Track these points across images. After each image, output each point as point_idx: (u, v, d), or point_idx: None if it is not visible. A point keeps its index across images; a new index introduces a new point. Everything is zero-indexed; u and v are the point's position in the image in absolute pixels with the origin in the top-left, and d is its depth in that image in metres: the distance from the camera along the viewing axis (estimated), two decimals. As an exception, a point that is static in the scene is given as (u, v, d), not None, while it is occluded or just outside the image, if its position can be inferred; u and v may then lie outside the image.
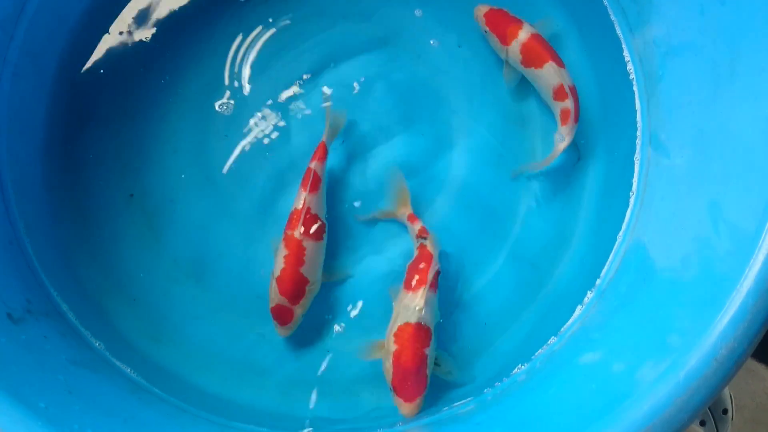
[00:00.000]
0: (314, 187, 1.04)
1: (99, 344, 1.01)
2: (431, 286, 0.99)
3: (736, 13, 0.89)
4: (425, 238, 1.03)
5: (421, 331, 0.97)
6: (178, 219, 1.09)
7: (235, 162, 1.11)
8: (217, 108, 1.12)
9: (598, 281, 1.05)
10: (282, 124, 1.12)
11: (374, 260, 1.09)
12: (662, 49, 1.03)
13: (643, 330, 0.89)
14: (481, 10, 1.11)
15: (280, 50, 1.14)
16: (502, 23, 1.09)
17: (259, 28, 1.14)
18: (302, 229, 1.02)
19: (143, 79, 1.12)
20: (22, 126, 1.05)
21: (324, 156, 1.06)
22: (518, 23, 1.08)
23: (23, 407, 0.71)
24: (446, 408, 1.01)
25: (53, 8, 1.08)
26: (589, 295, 1.05)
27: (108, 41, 1.12)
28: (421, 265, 1.01)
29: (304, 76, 1.13)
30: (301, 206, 1.03)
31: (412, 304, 0.98)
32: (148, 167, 1.10)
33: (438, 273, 1.01)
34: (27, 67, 1.06)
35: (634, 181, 1.07)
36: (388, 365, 0.97)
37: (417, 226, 1.05)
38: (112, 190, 1.09)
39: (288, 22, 1.15)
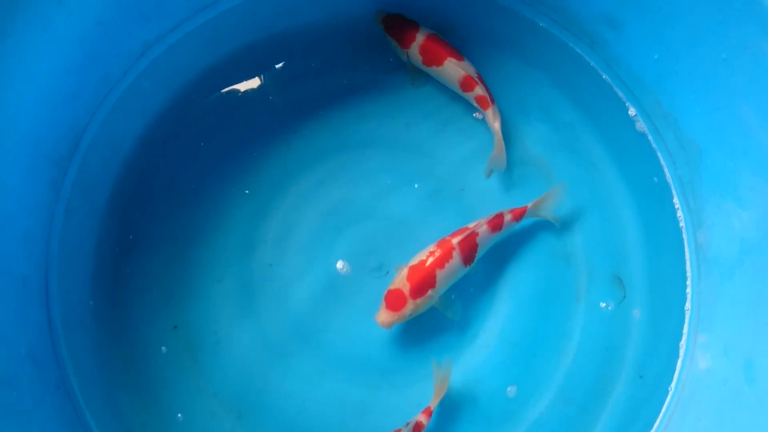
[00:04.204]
0: (495, 227, 1.06)
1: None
2: None
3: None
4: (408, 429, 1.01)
5: None
6: (221, 352, 1.08)
7: (278, 292, 1.11)
8: (261, 237, 1.12)
9: (650, 433, 1.03)
10: (327, 256, 1.12)
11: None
12: (713, 201, 1.02)
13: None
14: (379, 16, 1.15)
15: (328, 183, 1.15)
16: (399, 28, 1.13)
17: (309, 161, 1.15)
18: (461, 242, 1.03)
19: (190, 207, 1.13)
20: (72, 260, 1.06)
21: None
22: (414, 26, 1.13)
23: None
24: None
25: (106, 141, 1.10)
26: (639, 447, 1.03)
27: (158, 170, 1.13)
28: None
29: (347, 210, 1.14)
30: (473, 227, 1.05)
31: None
32: (191, 297, 1.10)
33: None
34: (79, 201, 1.07)
35: (684, 331, 1.06)
36: None
37: (422, 419, 1.02)
38: (157, 321, 1.09)
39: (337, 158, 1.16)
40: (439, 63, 1.12)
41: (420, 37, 1.12)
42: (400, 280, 1.03)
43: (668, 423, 1.03)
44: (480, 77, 1.12)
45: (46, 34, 0.91)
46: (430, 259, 1.03)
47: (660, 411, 1.04)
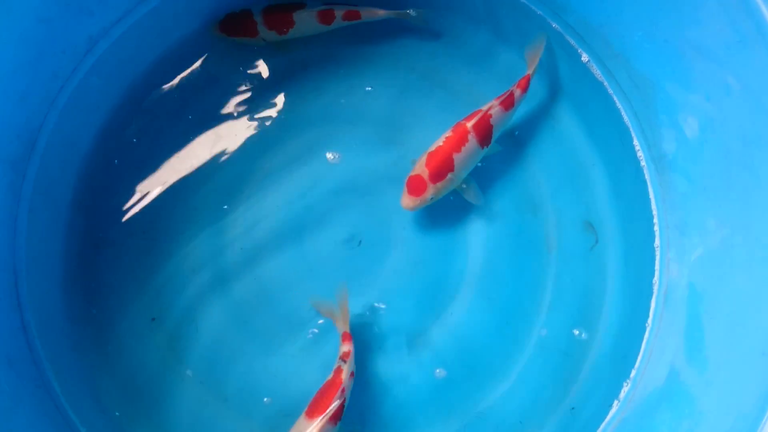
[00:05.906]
0: (508, 105, 1.07)
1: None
2: (331, 418, 0.96)
3: (744, 102, 0.90)
4: (345, 362, 1.01)
5: None
6: (201, 339, 1.08)
7: (253, 275, 1.10)
8: (231, 222, 1.12)
9: (633, 372, 1.04)
10: (299, 234, 1.12)
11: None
12: (671, 134, 1.03)
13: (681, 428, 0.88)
14: (216, 30, 1.13)
15: (292, 162, 1.14)
16: (235, 26, 1.12)
17: (270, 142, 1.15)
18: (475, 125, 1.05)
19: (156, 199, 1.12)
20: (41, 262, 1.05)
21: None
22: (246, 14, 1.11)
23: None
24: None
25: (63, 140, 1.08)
26: (625, 387, 1.03)
27: (119, 165, 1.12)
28: (327, 393, 0.98)
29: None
30: (486, 108, 1.06)
31: None
32: (166, 288, 1.10)
33: (343, 404, 0.98)
34: (42, 202, 1.06)
35: (656, 267, 1.07)
36: None
37: (346, 347, 1.02)
38: (134, 315, 1.08)
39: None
40: (291, 23, 1.11)
41: (258, 18, 1.11)
42: (420, 167, 1.04)
43: (649, 357, 1.04)
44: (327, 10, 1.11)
45: (-15, 35, 0.90)
46: (447, 144, 1.04)
47: (639, 349, 1.05)
